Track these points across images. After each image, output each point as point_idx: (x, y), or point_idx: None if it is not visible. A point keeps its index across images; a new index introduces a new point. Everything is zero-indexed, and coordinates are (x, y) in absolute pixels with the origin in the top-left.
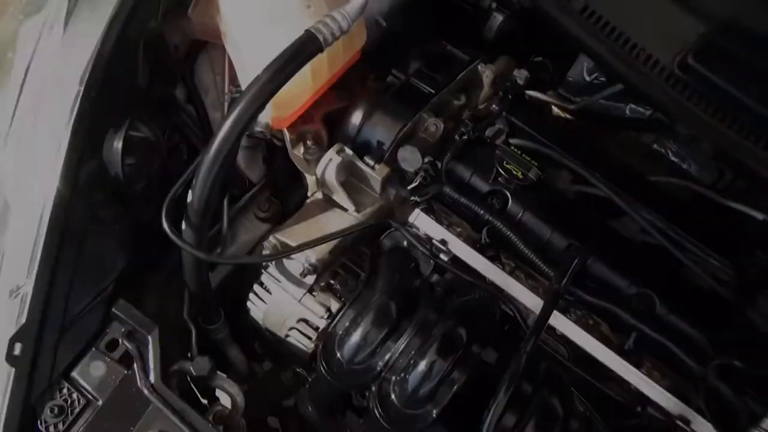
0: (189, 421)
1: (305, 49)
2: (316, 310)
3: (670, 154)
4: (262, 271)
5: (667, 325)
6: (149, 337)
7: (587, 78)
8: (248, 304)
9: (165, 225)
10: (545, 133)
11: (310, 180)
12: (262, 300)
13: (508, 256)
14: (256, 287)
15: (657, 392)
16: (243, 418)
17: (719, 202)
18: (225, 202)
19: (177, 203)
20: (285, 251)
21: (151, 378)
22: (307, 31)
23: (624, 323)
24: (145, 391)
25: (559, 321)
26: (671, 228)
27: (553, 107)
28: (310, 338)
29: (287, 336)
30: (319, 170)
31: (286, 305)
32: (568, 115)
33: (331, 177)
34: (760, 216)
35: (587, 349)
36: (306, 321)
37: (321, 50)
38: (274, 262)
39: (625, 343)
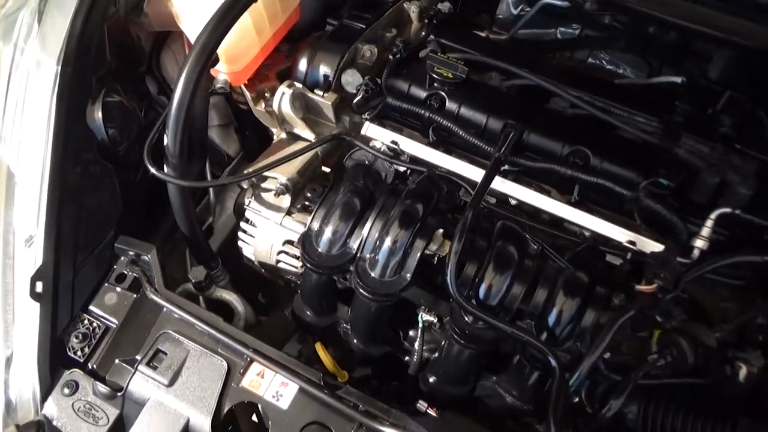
0: (196, 314)
1: None
2: (296, 228)
3: (605, 64)
4: (245, 209)
5: (603, 171)
6: (149, 257)
7: (514, 11)
8: (239, 243)
9: (147, 162)
10: (474, 46)
11: (276, 133)
12: (250, 235)
13: (459, 154)
14: (242, 225)
15: (606, 227)
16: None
17: (645, 82)
18: (209, 177)
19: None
20: (254, 172)
21: (156, 285)
22: None
23: (565, 179)
24: (153, 297)
25: (513, 188)
26: (598, 99)
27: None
28: (297, 257)
29: (278, 262)
30: (275, 105)
31: (270, 232)
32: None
33: (287, 108)
34: (679, 79)
35: (541, 206)
36: (290, 242)
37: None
38: (252, 198)
39: (572, 197)
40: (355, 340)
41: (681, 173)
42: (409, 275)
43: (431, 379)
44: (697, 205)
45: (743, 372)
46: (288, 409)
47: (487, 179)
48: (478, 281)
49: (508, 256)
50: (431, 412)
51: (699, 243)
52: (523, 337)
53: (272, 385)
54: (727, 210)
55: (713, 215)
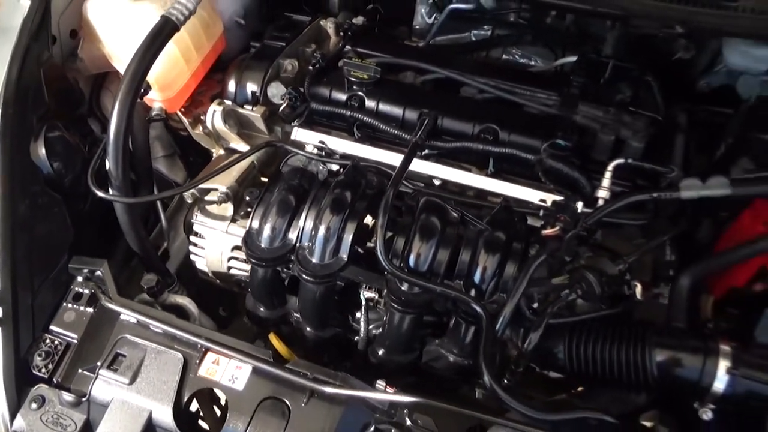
0: (149, 315)
1: (163, 29)
2: (241, 233)
3: (518, 58)
4: (193, 224)
5: (511, 142)
6: (101, 270)
7: (428, 21)
8: (191, 257)
9: (91, 185)
10: (387, 51)
11: (216, 152)
12: (201, 247)
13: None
14: (191, 239)
15: (520, 191)
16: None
17: (549, 67)
18: (159, 206)
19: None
20: (193, 184)
21: (111, 294)
22: (162, 15)
23: (480, 154)
24: (108, 305)
25: (435, 168)
26: (503, 83)
27: None
28: (246, 261)
29: (230, 269)
30: (208, 123)
31: (218, 241)
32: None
33: (219, 125)
34: (574, 57)
35: (462, 181)
36: (238, 247)
37: (177, 29)
38: (198, 212)
39: (488, 170)
40: (307, 327)
41: (576, 134)
42: (345, 256)
43: (380, 352)
44: (600, 163)
45: (639, 289)
46: (244, 389)
47: (406, 162)
48: (407, 253)
49: (431, 226)
50: (390, 390)
51: (602, 193)
52: (451, 294)
53: (227, 370)
54: (621, 161)
55: (610, 167)
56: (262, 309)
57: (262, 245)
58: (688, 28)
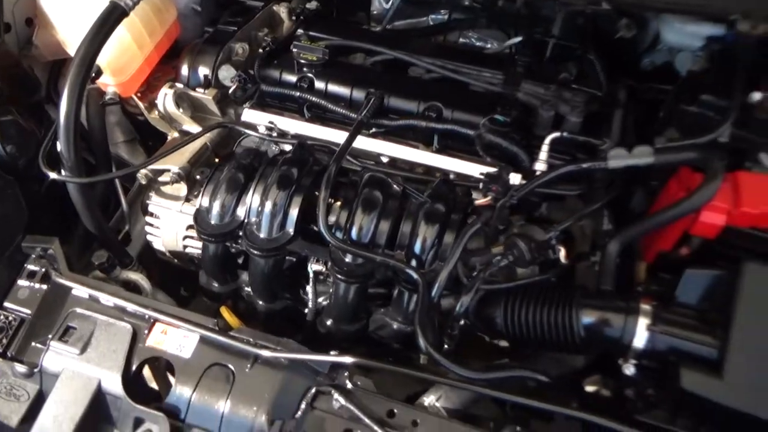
0: (99, 288)
1: (111, 14)
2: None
3: (474, 41)
4: (148, 204)
5: (454, 119)
6: (53, 248)
7: (386, 6)
8: (148, 237)
9: (42, 166)
10: (338, 34)
11: (170, 135)
12: (156, 227)
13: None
14: (147, 219)
15: (463, 165)
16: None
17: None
18: (120, 190)
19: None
20: (144, 164)
21: (61, 270)
22: (110, 1)
23: (425, 132)
24: (59, 280)
25: (382, 145)
26: (450, 63)
27: None
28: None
29: (185, 248)
30: (159, 105)
31: (172, 220)
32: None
33: (171, 107)
34: (518, 38)
35: (407, 157)
36: (192, 226)
37: (126, 14)
38: (152, 193)
39: (432, 146)
40: (258, 301)
41: (514, 110)
42: (291, 230)
43: (328, 323)
44: (542, 138)
45: (563, 253)
46: (191, 357)
47: (350, 138)
48: (349, 225)
49: (373, 199)
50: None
51: (539, 166)
52: (389, 262)
53: (175, 339)
54: (557, 134)
55: (547, 140)
56: (215, 284)
57: (212, 222)
58: (612, 5)
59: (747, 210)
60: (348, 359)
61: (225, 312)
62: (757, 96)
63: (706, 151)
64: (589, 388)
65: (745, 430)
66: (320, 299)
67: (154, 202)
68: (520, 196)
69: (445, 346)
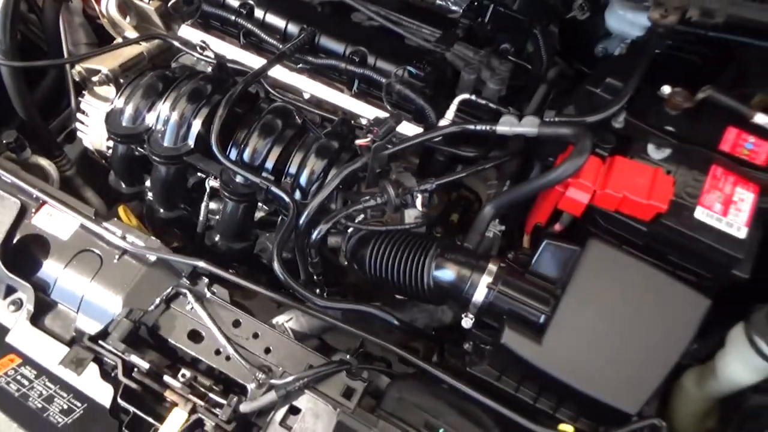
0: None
1: None
2: None
3: (450, 5)
4: (80, 101)
5: (376, 67)
6: None
7: None
8: (78, 134)
9: None
10: None
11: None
12: (85, 125)
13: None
14: (78, 116)
15: (375, 112)
16: None
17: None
18: (72, 90)
19: None
20: (73, 58)
21: None
22: None
23: (344, 73)
24: None
25: (302, 81)
26: (393, 14)
27: None
28: None
29: (108, 149)
30: (103, 9)
31: (99, 121)
32: None
33: (113, 12)
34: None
35: (322, 95)
36: None
37: None
38: (86, 92)
39: (352, 89)
40: (157, 207)
41: (430, 66)
42: (191, 142)
43: (216, 237)
44: None
45: (419, 200)
46: (67, 239)
47: (267, 66)
48: (243, 146)
49: (272, 125)
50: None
51: (443, 122)
52: (268, 185)
53: (58, 222)
54: (466, 96)
55: (456, 100)
56: (122, 185)
57: (123, 123)
58: None
59: (610, 192)
60: (209, 267)
61: (122, 210)
62: (666, 89)
63: (582, 129)
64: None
65: (559, 394)
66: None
67: (86, 101)
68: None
69: (315, 276)
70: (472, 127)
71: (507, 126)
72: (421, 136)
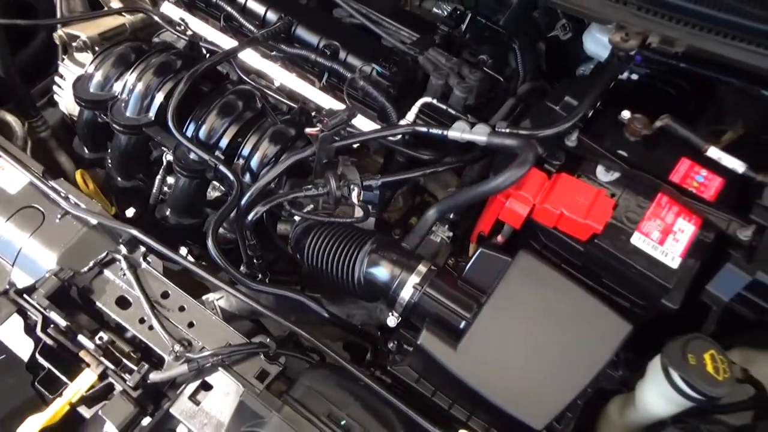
0: None
1: None
2: None
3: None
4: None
5: (346, 63)
6: None
7: None
8: (55, 98)
9: None
10: None
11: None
12: (61, 88)
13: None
14: (56, 80)
15: (338, 105)
16: None
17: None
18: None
19: None
20: (52, 20)
21: None
22: None
23: (314, 65)
24: None
25: (272, 68)
26: (373, 14)
27: None
28: None
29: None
30: None
31: None
32: None
33: None
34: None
35: (291, 85)
36: None
37: None
38: (66, 57)
39: (321, 81)
40: (115, 175)
41: (396, 66)
42: (152, 114)
43: (167, 211)
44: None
45: (354, 193)
46: (14, 193)
47: (237, 48)
48: (201, 122)
49: (233, 105)
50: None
51: (403, 122)
52: (214, 163)
53: (8, 177)
54: (428, 99)
55: (418, 102)
56: (85, 150)
57: (90, 90)
58: None
59: (548, 207)
60: (135, 232)
61: (79, 174)
62: (626, 114)
63: (528, 142)
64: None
65: (472, 402)
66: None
67: (64, 66)
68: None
69: (255, 259)
70: (423, 129)
71: (458, 132)
72: (371, 133)
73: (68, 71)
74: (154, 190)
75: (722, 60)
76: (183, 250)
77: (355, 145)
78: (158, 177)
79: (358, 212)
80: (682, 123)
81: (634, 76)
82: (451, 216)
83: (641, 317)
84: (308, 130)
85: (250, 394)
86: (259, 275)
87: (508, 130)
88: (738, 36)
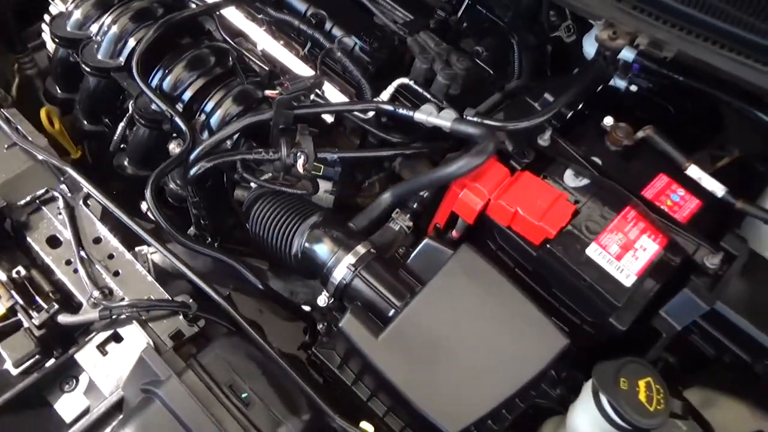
0: None
1: None
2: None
3: None
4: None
5: (330, 34)
6: None
7: None
8: (43, 36)
9: None
10: None
11: None
12: (48, 25)
13: None
14: (45, 17)
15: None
16: None
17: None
18: None
19: None
20: None
21: None
22: None
23: (297, 32)
24: None
25: (256, 31)
26: None
27: None
28: None
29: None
30: None
31: None
32: None
33: None
34: None
35: (274, 53)
36: None
37: None
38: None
39: (302, 51)
40: (81, 118)
41: (378, 43)
42: (122, 60)
43: (125, 161)
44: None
45: (300, 161)
46: None
47: (220, 4)
48: (167, 72)
49: (203, 58)
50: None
51: (378, 98)
52: (169, 112)
53: None
54: (405, 80)
55: (395, 82)
56: (57, 89)
57: (68, 28)
58: None
59: (503, 204)
60: (71, 171)
61: (44, 112)
62: (608, 121)
63: (490, 132)
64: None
65: (390, 397)
66: None
67: (54, 3)
68: (320, 111)
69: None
70: (390, 107)
71: (425, 114)
72: (334, 106)
73: (57, 10)
74: (115, 137)
75: (715, 72)
76: (144, 206)
77: (329, 120)
78: (121, 124)
79: (323, 187)
80: (665, 136)
81: (633, 88)
82: (415, 206)
83: (591, 336)
84: (268, 92)
85: (151, 351)
86: (209, 239)
87: (476, 119)
88: (735, 48)
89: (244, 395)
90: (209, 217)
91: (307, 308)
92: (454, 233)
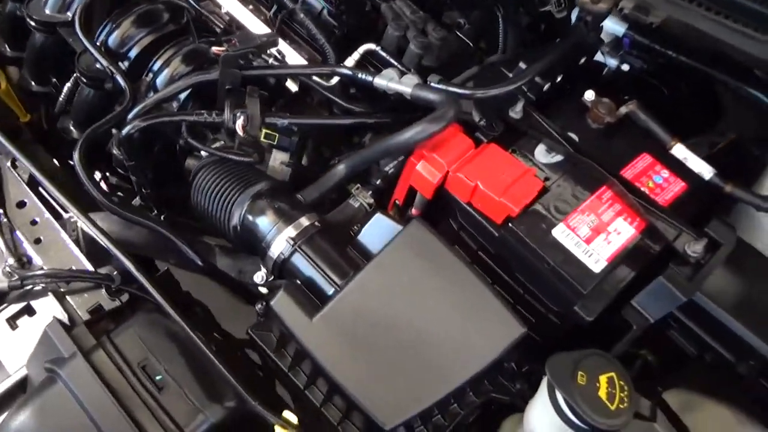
0: None
1: None
2: None
3: None
4: None
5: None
6: None
7: None
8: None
9: None
10: None
11: None
12: None
13: None
14: None
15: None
16: None
17: None
18: None
19: None
20: None
21: None
22: None
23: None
24: None
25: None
26: None
27: None
28: None
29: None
30: None
31: None
32: None
33: None
34: None
35: (238, 17)
36: None
37: None
38: None
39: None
40: (30, 80)
41: (344, 5)
42: (70, 14)
43: (69, 123)
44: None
45: (240, 121)
46: None
47: None
48: (115, 27)
49: (153, 14)
50: None
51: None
52: (110, 69)
53: None
54: (371, 46)
55: (361, 48)
56: (6, 48)
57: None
58: None
59: (462, 177)
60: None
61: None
62: (589, 95)
63: (450, 98)
64: None
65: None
66: None
67: None
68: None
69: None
70: (348, 72)
71: (385, 80)
72: (287, 68)
73: None
74: (60, 98)
75: (710, 44)
76: (97, 175)
77: (294, 90)
78: (67, 84)
79: (275, 160)
80: (649, 113)
81: (625, 67)
82: (378, 182)
83: (558, 327)
84: (214, 48)
85: (56, 326)
86: (154, 210)
87: (440, 86)
88: (731, 15)
89: (158, 378)
90: (154, 185)
91: (264, 290)
92: (413, 210)
